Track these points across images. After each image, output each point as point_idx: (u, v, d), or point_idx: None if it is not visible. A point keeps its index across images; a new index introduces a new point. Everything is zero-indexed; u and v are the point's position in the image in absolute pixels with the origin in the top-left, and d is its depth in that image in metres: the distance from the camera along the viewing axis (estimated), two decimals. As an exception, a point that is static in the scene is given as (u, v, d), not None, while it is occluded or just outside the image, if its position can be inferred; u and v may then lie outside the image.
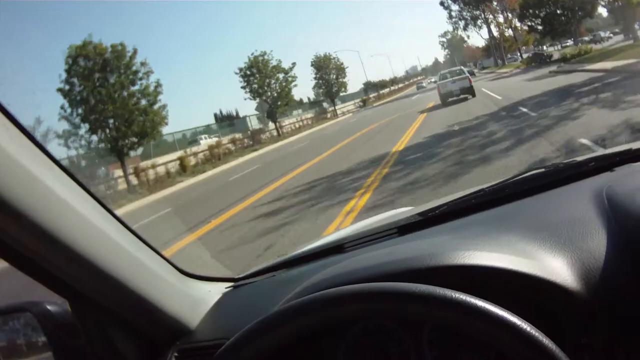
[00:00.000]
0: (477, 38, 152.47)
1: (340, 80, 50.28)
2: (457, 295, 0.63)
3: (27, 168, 0.67)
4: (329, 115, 48.73)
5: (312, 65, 50.09)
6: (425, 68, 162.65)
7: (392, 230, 1.12)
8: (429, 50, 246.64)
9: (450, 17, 59.33)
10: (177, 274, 1.01)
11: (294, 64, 37.41)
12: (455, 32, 60.62)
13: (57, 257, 0.73)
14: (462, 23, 59.92)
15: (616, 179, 0.97)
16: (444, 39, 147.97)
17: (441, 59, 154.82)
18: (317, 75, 50.06)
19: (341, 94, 55.52)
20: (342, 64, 50.99)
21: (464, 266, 0.77)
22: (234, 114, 57.27)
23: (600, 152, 1.19)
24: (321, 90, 51.04)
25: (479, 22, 59.39)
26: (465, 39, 68.54)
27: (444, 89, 20.52)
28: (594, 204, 0.88)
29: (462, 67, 23.41)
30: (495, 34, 58.81)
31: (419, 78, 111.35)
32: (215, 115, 61.46)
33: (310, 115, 46.66)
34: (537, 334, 0.59)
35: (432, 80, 68.30)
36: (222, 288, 1.14)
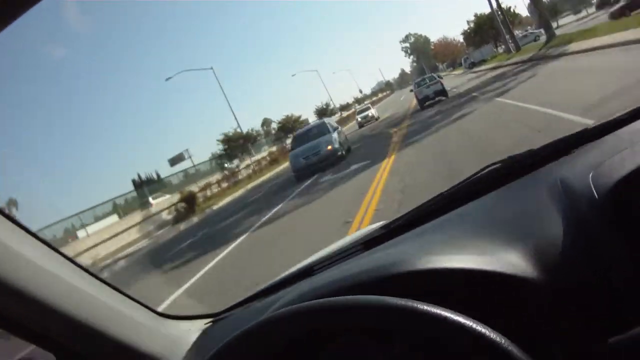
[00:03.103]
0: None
1: None
2: (393, 300, 0.64)
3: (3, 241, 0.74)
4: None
5: None
6: (389, 82, 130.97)
7: (358, 247, 1.14)
8: (394, 62, 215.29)
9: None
10: (155, 316, 1.04)
11: None
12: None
13: (37, 315, 0.78)
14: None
15: (571, 161, 0.97)
16: (407, 44, 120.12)
17: (408, 69, 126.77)
18: None
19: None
20: None
21: (421, 271, 0.79)
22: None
23: (559, 137, 1.13)
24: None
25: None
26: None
27: (420, 94, 21.56)
28: (550, 190, 0.88)
29: (433, 74, 25.18)
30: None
31: (376, 98, 77.05)
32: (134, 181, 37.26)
33: None
34: (480, 328, 0.60)
35: (371, 109, 31.49)
36: (201, 325, 1.16)
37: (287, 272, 1.27)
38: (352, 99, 75.27)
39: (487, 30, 44.88)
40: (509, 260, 0.77)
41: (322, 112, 46.27)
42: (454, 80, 34.07)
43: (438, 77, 22.81)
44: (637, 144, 0.86)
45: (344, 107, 61.74)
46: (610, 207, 0.75)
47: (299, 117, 36.99)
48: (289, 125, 35.33)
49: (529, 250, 0.78)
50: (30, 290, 0.75)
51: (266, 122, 55.36)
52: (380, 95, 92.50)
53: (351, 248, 1.14)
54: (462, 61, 50.00)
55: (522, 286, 0.74)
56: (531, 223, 0.83)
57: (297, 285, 1.10)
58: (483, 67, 35.93)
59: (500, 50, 44.74)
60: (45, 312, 0.78)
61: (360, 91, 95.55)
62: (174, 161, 38.05)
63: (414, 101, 26.00)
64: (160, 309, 1.17)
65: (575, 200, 0.80)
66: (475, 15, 45.21)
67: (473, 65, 45.04)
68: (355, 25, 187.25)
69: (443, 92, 20.69)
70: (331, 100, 66.61)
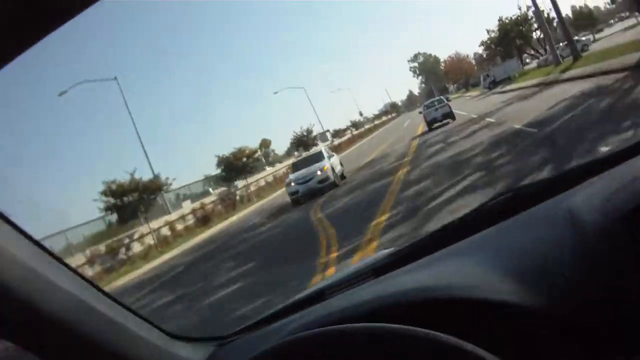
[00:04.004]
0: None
1: None
2: (403, 328, 0.66)
3: (10, 251, 0.74)
4: None
5: None
6: (395, 104, 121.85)
7: (368, 274, 1.15)
8: (402, 82, 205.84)
9: None
10: (164, 337, 1.04)
11: None
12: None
13: (43, 328, 0.77)
14: None
15: (581, 191, 0.97)
16: (415, 64, 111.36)
17: (416, 90, 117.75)
18: None
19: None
20: None
21: (431, 299, 0.82)
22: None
23: (569, 166, 1.04)
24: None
25: None
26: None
27: (429, 116, 22.65)
28: (560, 221, 0.89)
29: (441, 97, 25.85)
30: None
31: (378, 122, 65.52)
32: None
33: None
34: (483, 354, 0.61)
35: (326, 160, 16.74)
36: (210, 348, 1.17)
37: (297, 297, 1.25)
38: (349, 123, 65.15)
39: (513, 38, 34.75)
40: (517, 290, 0.77)
41: (301, 141, 35.99)
42: (478, 105, 23.83)
43: (446, 99, 24.56)
44: None
45: (337, 133, 51.59)
46: (620, 239, 0.74)
47: (254, 151, 26.65)
48: (239, 163, 25.05)
49: (537, 280, 0.78)
50: (38, 303, 0.75)
51: (265, 143, 45.66)
52: (383, 118, 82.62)
53: (362, 275, 1.15)
54: (481, 79, 39.93)
55: (529, 316, 0.75)
56: (540, 253, 0.83)
57: (310, 310, 1.09)
58: (514, 86, 25.86)
59: (534, 64, 34.59)
60: (52, 325, 0.77)
61: (361, 114, 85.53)
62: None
63: (420, 128, 24.92)
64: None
65: (584, 231, 0.80)
66: (500, 20, 35.23)
67: (495, 84, 35.03)
68: (360, 42, 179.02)
69: (450, 114, 21.75)
70: (320, 123, 56.27)
